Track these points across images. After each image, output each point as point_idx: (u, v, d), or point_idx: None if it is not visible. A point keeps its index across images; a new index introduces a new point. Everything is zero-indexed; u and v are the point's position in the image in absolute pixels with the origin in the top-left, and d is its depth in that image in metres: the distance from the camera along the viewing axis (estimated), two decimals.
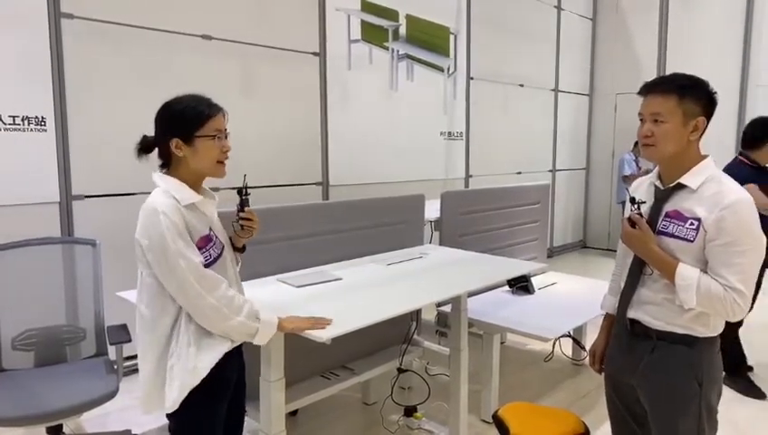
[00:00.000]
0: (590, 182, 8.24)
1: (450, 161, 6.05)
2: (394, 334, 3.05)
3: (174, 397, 1.59)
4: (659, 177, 1.73)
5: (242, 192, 1.77)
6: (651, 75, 6.72)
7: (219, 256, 1.69)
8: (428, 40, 5.64)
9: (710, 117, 1.64)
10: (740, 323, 3.46)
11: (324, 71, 4.71)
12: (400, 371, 3.04)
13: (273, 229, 2.53)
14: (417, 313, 3.24)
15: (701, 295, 1.56)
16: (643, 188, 1.79)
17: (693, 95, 1.61)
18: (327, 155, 4.79)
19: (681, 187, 1.64)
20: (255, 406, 2.19)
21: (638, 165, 7.06)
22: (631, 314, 1.74)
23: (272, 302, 2.11)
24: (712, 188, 1.59)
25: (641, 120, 1.68)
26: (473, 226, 3.65)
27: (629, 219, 1.69)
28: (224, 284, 1.63)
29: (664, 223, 1.66)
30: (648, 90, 1.67)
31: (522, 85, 6.81)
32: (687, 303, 1.58)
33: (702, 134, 1.64)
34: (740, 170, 3.27)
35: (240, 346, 1.81)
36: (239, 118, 4.35)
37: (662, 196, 1.68)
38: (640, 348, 1.72)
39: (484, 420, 3.06)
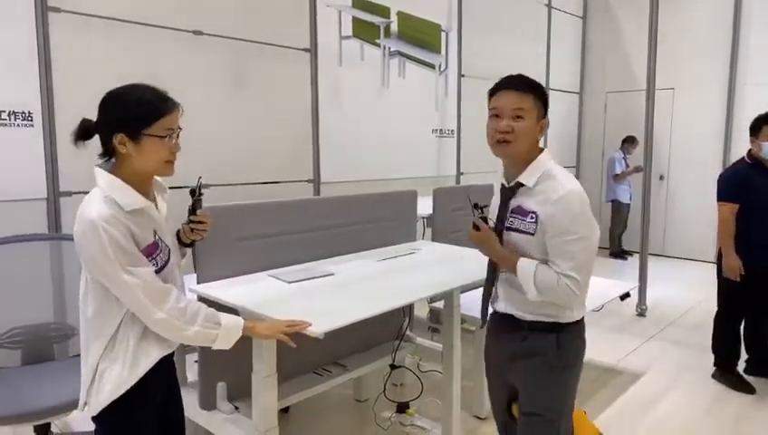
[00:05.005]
0: (581, 180, 8.22)
1: (442, 159, 6.05)
2: (386, 331, 3.04)
3: (101, 400, 1.53)
4: (504, 175, 1.79)
5: (194, 193, 1.69)
6: (642, 73, 6.77)
7: (167, 262, 1.59)
8: (420, 37, 5.63)
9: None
10: (738, 321, 3.49)
11: (315, 67, 4.68)
12: (393, 367, 3.03)
13: (265, 225, 2.51)
14: (410, 309, 3.23)
15: (539, 285, 1.66)
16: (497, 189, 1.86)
17: (541, 97, 1.71)
18: (318, 152, 4.77)
19: (521, 184, 1.72)
20: (248, 403, 2.18)
21: (626, 163, 7.11)
22: (501, 308, 1.85)
23: (264, 297, 2.09)
24: (545, 184, 1.68)
25: (496, 115, 1.70)
26: (465, 222, 3.64)
27: (474, 224, 1.79)
28: (173, 293, 1.52)
29: (511, 219, 1.75)
30: (505, 86, 1.71)
31: None
32: (529, 294, 1.68)
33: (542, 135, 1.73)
34: (735, 164, 3.46)
35: (167, 357, 1.66)
36: (229, 114, 4.38)
37: (508, 194, 1.76)
38: (513, 339, 1.81)
39: (476, 417, 3.06)
